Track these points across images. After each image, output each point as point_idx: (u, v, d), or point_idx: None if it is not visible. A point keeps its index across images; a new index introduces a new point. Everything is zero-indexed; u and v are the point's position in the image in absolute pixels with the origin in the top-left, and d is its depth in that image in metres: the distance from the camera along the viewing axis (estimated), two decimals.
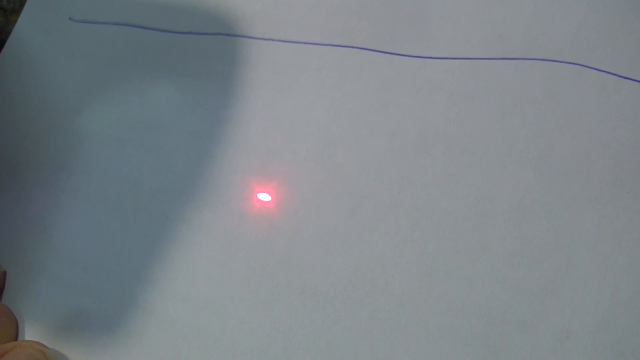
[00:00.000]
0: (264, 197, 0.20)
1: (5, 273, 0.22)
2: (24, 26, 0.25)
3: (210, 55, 0.22)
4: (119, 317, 0.20)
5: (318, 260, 0.19)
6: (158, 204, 0.21)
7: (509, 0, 0.20)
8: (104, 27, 0.24)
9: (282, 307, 0.19)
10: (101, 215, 0.21)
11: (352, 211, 0.19)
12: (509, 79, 0.19)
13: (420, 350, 0.18)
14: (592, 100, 0.18)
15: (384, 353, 0.18)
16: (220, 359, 0.19)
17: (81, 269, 0.21)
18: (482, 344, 0.17)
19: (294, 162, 0.20)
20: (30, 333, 0.21)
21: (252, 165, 0.21)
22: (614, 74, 0.18)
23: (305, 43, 0.21)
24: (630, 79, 0.18)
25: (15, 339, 0.21)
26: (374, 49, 0.21)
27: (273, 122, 0.21)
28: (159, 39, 0.23)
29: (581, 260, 0.17)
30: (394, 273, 0.18)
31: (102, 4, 0.25)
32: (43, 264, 0.22)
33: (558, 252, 0.17)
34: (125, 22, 0.24)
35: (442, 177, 0.19)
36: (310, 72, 0.21)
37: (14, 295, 0.22)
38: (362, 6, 0.21)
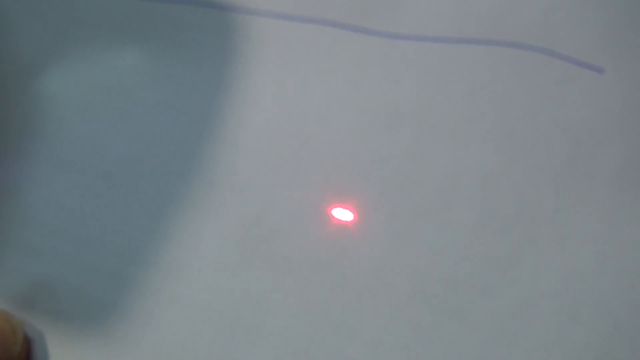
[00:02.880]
0: (233, 164, 0.20)
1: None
2: None
3: (178, 23, 0.22)
4: (86, 284, 0.20)
5: (288, 226, 0.19)
6: (126, 170, 0.20)
7: None
8: None
9: (252, 273, 0.19)
10: (67, 180, 0.21)
11: (321, 183, 0.20)
12: (477, 61, 0.20)
13: (388, 314, 0.18)
14: (554, 85, 0.19)
15: (353, 317, 0.19)
16: (192, 325, 0.19)
17: (47, 235, 0.20)
18: (448, 309, 0.18)
19: (260, 132, 0.20)
20: None
21: (221, 135, 0.21)
22: (575, 63, 0.19)
23: (275, 17, 0.21)
24: (589, 68, 0.19)
25: None
26: (345, 27, 0.21)
27: (242, 93, 0.21)
28: (125, 3, 0.23)
29: (542, 232, 0.18)
30: (363, 240, 0.19)
31: None
32: (7, 229, 0.21)
33: (520, 224, 0.18)
34: None
35: (412, 152, 0.19)
36: (282, 47, 0.21)
37: None
38: None
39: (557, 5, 0.20)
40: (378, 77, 0.20)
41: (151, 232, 0.20)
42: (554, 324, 0.18)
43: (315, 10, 0.21)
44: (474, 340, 0.18)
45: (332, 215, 0.19)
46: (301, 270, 0.19)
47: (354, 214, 0.19)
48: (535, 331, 0.18)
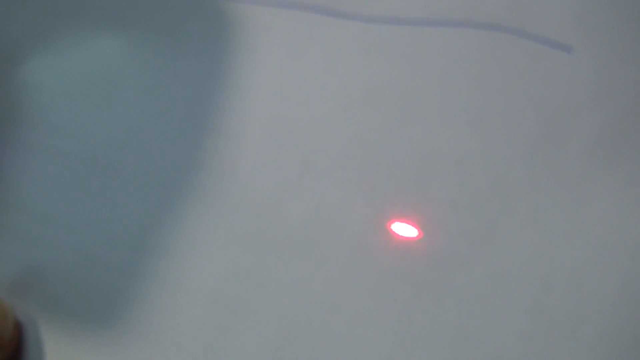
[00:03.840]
0: (217, 148, 0.21)
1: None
2: None
3: (158, 9, 0.22)
4: (73, 268, 0.20)
5: (272, 206, 0.20)
6: (110, 156, 0.21)
7: None
8: None
9: (238, 251, 0.20)
10: (53, 167, 0.21)
11: (303, 165, 0.20)
12: (451, 43, 0.20)
13: (368, 289, 0.19)
14: (526, 65, 0.20)
15: (335, 294, 0.19)
16: (178, 303, 0.20)
17: (35, 221, 0.20)
18: (425, 282, 0.19)
19: (243, 117, 0.21)
20: None
21: (206, 122, 0.21)
22: (545, 43, 0.20)
23: (253, 3, 0.22)
24: (559, 48, 0.20)
25: None
26: (322, 12, 0.21)
27: (223, 79, 0.21)
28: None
29: (516, 207, 0.19)
30: (342, 219, 0.20)
31: None
32: None
33: (495, 200, 0.19)
34: None
35: (388, 131, 0.20)
36: (259, 32, 0.21)
37: None
38: None
39: None
40: (355, 60, 0.21)
41: (138, 216, 0.20)
42: (529, 293, 0.18)
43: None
44: (452, 312, 0.19)
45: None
46: (286, 248, 0.20)
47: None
48: (511, 301, 0.18)
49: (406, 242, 0.19)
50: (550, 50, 0.20)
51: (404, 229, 0.19)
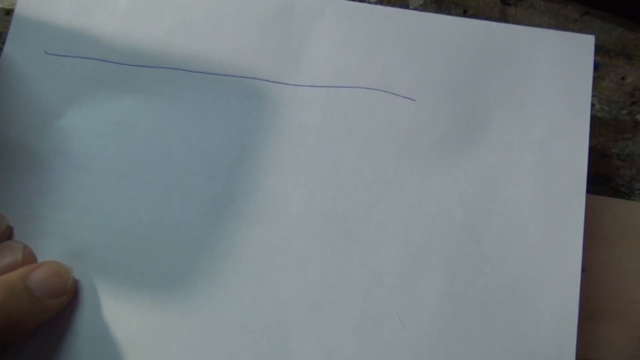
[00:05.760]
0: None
1: (10, 228, 0.32)
2: (8, 57, 0.35)
3: (158, 76, 0.34)
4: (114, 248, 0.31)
5: (243, 184, 0.32)
6: (131, 170, 0.32)
7: (351, 51, 0.35)
8: (73, 60, 0.35)
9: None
10: (91, 180, 0.32)
11: (265, 182, 0.33)
12: (347, 98, 0.34)
13: (307, 246, 0.31)
14: (388, 108, 0.34)
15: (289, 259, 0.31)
16: (206, 269, 0.31)
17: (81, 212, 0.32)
18: (340, 231, 0.32)
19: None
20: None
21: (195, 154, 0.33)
22: (399, 95, 0.34)
23: (207, 73, 0.34)
24: (407, 98, 0.34)
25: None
26: (268, 80, 0.35)
27: (197, 134, 0.34)
28: (118, 71, 0.35)
29: (388, 187, 0.32)
30: (285, 199, 0.32)
31: (72, 41, 0.35)
32: (45, 215, 0.32)
33: (376, 185, 0.32)
34: (91, 57, 0.35)
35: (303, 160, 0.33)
36: (210, 100, 0.34)
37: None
38: (257, 46, 0.35)
39: (389, 65, 0.35)
40: (287, 112, 0.34)
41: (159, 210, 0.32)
42: (401, 241, 0.32)
43: (248, 72, 0.35)
44: (357, 249, 0.31)
45: None
46: (240, 217, 0.32)
47: None
48: (386, 234, 0.32)
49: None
50: (401, 100, 0.34)
51: None
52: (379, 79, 0.34)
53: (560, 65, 0.34)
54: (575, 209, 0.31)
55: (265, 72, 0.34)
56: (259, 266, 0.31)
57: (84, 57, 0.34)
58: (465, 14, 0.40)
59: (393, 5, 0.40)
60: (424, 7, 0.41)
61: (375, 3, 0.40)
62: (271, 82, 0.34)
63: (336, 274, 0.31)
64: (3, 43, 0.37)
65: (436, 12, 0.40)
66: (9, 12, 0.39)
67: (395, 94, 0.34)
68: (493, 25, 0.35)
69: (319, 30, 0.35)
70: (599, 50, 0.40)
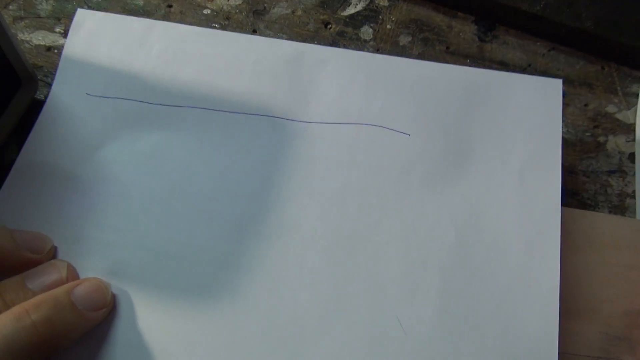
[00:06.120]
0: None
1: (55, 248, 0.36)
2: (55, 96, 0.40)
3: (186, 122, 0.39)
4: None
5: (261, 207, 0.36)
6: (161, 196, 0.37)
7: (353, 92, 0.40)
8: (111, 100, 0.40)
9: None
10: (127, 205, 0.36)
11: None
12: (352, 133, 0.39)
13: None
14: (386, 143, 0.39)
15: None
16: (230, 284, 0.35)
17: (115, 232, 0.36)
18: (337, 256, 0.36)
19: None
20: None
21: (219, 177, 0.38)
22: (396, 131, 0.39)
23: (231, 112, 0.39)
24: (403, 133, 0.39)
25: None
26: (281, 117, 0.40)
27: (220, 164, 0.38)
28: (150, 109, 0.40)
29: (389, 211, 0.37)
30: (298, 220, 0.36)
31: (110, 84, 0.40)
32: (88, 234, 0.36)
33: (380, 209, 0.37)
34: (127, 97, 0.40)
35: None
36: (231, 135, 0.38)
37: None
38: (272, 88, 0.40)
39: (387, 104, 0.40)
40: (299, 145, 0.39)
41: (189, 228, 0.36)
42: (401, 257, 0.36)
43: (264, 110, 0.40)
44: (362, 264, 0.35)
45: None
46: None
47: None
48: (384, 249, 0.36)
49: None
50: (398, 134, 0.39)
51: None
52: (377, 117, 0.39)
53: (533, 104, 0.40)
54: (552, 225, 0.36)
55: (279, 110, 0.40)
56: (276, 280, 0.35)
57: (120, 98, 0.39)
58: (447, 49, 0.47)
59: (386, 47, 0.46)
60: (411, 44, 0.47)
61: (372, 45, 0.46)
62: (285, 119, 0.39)
63: (344, 287, 0.35)
64: (45, 76, 0.42)
65: (423, 48, 0.46)
66: (49, 49, 0.45)
67: (392, 129, 0.39)
68: (474, 71, 0.41)
69: (325, 75, 0.41)
70: (564, 81, 0.45)
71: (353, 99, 0.40)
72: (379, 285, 0.35)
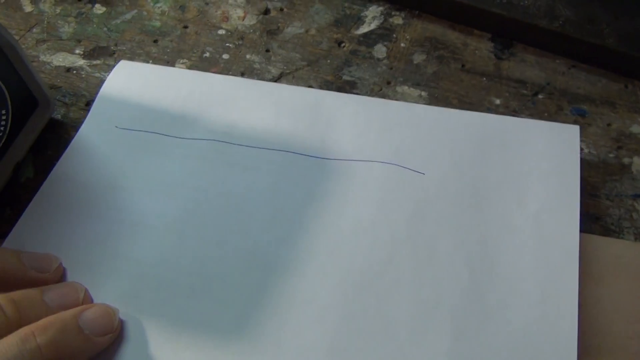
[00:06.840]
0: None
1: (63, 269, 0.36)
2: (85, 131, 0.42)
3: (204, 153, 0.40)
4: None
5: (271, 240, 0.36)
6: (182, 220, 0.37)
7: (369, 134, 0.41)
8: (137, 133, 0.42)
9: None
10: (147, 233, 0.37)
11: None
12: (366, 171, 0.39)
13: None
14: (401, 181, 0.39)
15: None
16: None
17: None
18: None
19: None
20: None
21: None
22: (411, 169, 0.39)
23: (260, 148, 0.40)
24: (418, 172, 0.39)
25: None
26: (300, 153, 0.40)
27: (234, 195, 0.39)
28: (172, 141, 0.41)
29: (402, 253, 0.36)
30: (308, 254, 0.36)
31: (138, 118, 0.42)
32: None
33: (398, 255, 0.37)
34: (152, 131, 0.41)
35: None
36: (247, 168, 0.39)
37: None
38: (292, 127, 0.41)
39: (402, 146, 0.40)
40: (314, 180, 0.39)
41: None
42: (412, 296, 0.35)
43: (282, 146, 0.41)
44: (371, 302, 0.35)
45: None
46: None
47: None
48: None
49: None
50: (413, 173, 0.39)
51: None
52: (392, 156, 0.40)
53: (550, 150, 0.40)
54: (569, 268, 0.35)
55: (296, 146, 0.40)
56: (284, 314, 0.35)
57: (145, 131, 0.41)
58: (463, 67, 0.46)
59: (399, 65, 0.46)
60: (426, 62, 0.47)
61: (385, 64, 0.46)
62: (301, 154, 0.40)
63: (352, 324, 0.35)
64: (63, 96, 0.44)
65: (437, 66, 0.46)
66: (69, 70, 0.47)
67: (407, 168, 0.39)
68: (491, 117, 0.41)
69: (342, 117, 0.42)
70: (585, 99, 0.43)
71: (369, 138, 0.40)
72: (388, 325, 0.34)
